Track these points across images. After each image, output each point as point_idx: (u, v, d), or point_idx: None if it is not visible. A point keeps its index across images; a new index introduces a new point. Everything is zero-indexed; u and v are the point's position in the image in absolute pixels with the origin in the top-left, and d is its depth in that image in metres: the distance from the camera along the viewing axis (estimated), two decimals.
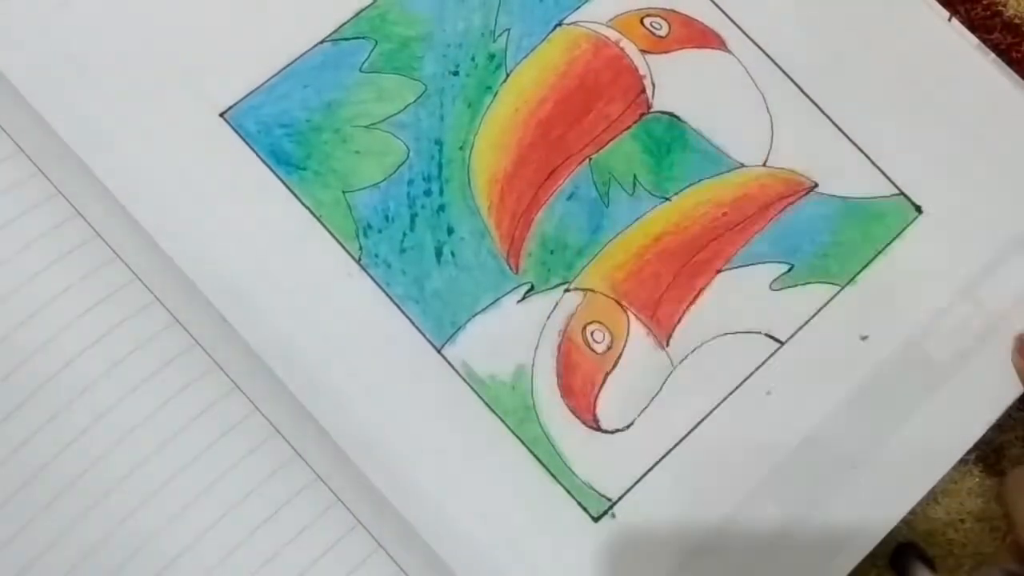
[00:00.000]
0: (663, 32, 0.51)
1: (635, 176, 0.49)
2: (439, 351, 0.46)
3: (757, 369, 0.47)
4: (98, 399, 0.43)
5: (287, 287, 0.47)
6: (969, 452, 0.47)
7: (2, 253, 0.45)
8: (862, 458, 0.46)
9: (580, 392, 0.47)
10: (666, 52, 0.51)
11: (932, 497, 0.47)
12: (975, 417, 0.47)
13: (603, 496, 0.46)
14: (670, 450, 0.46)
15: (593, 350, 0.47)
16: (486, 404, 0.46)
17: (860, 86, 0.51)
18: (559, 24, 0.51)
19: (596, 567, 0.45)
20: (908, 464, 0.46)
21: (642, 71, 0.51)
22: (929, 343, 0.48)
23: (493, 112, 0.50)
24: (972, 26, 0.52)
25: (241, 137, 0.48)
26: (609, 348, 0.47)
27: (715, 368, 0.47)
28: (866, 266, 0.49)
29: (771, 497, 0.46)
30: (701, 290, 0.48)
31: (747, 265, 0.49)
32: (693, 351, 0.47)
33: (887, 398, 0.47)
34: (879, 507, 0.46)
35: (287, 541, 0.43)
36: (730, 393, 0.47)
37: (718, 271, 0.49)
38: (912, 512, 0.46)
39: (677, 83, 0.51)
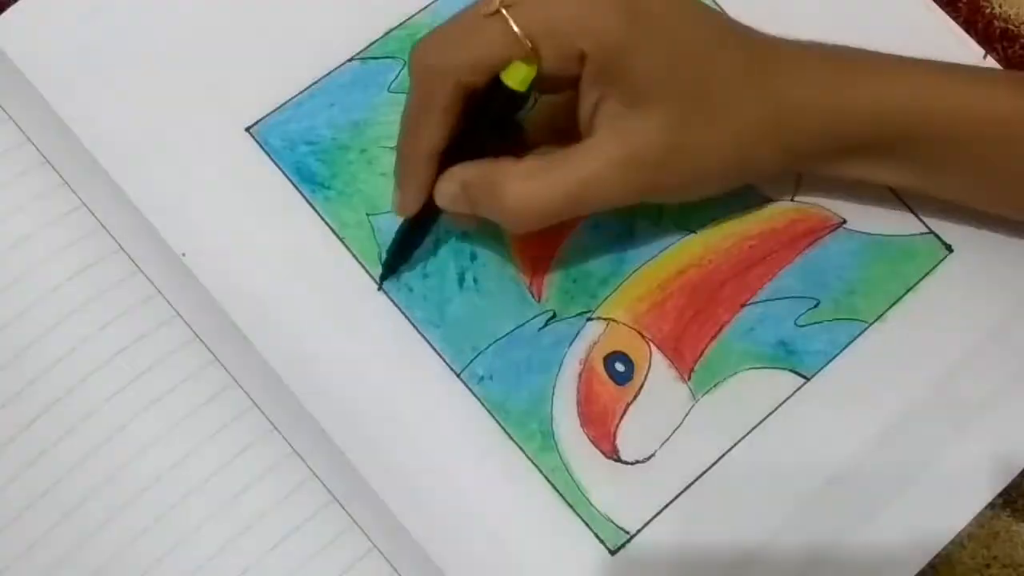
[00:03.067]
0: None
1: (661, 208, 0.49)
2: (459, 376, 0.46)
3: (781, 405, 0.47)
4: (115, 414, 0.43)
5: (308, 306, 0.46)
6: (997, 496, 0.46)
7: (24, 265, 0.45)
8: (888, 499, 0.46)
9: (600, 422, 0.46)
10: None
11: (958, 541, 0.46)
12: (1005, 460, 0.46)
13: (621, 529, 0.45)
14: (691, 484, 0.45)
15: (614, 380, 0.47)
16: (504, 431, 0.46)
17: None
18: None
19: None
20: (935, 506, 0.46)
21: None
22: (959, 384, 0.47)
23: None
24: (1009, 64, 0.52)
25: (266, 153, 0.48)
26: (630, 379, 0.47)
27: (738, 402, 0.47)
28: (895, 304, 0.48)
29: (794, 535, 0.45)
30: (725, 324, 0.48)
31: (772, 300, 0.48)
32: (716, 385, 0.47)
33: (915, 438, 0.46)
34: (904, 550, 0.45)
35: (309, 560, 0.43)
36: (753, 428, 0.46)
37: (743, 305, 0.48)
38: (938, 556, 0.45)
39: None
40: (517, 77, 0.41)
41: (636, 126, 0.41)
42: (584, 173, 0.42)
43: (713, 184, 0.45)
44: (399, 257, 0.47)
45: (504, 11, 0.40)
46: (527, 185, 0.42)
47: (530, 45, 0.40)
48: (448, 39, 0.42)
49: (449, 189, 0.44)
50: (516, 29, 0.40)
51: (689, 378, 0.47)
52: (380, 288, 0.47)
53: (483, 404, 0.46)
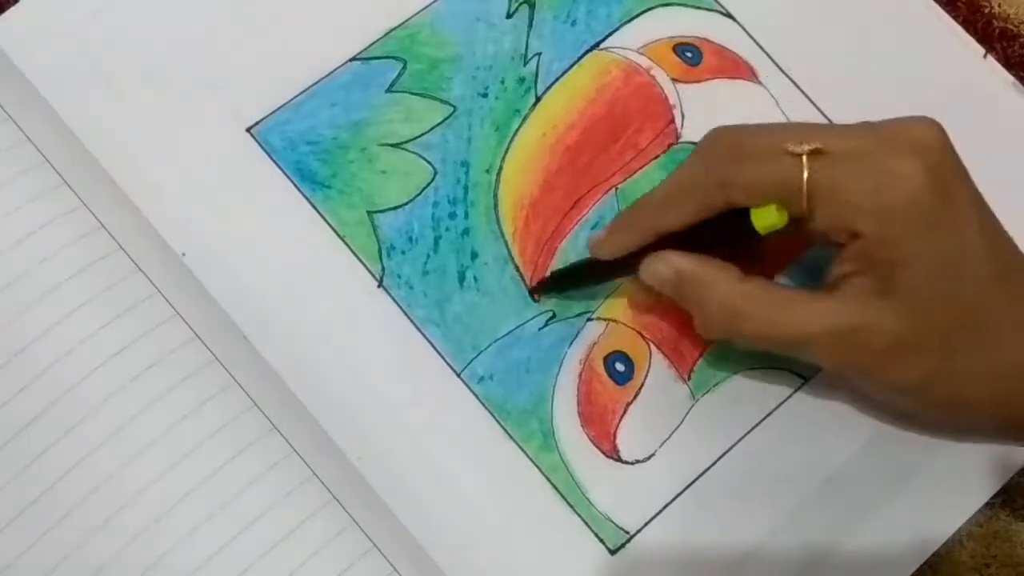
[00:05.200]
0: (695, 61, 0.51)
1: None
2: (459, 375, 0.46)
3: (781, 405, 0.47)
4: (115, 413, 0.43)
5: (308, 305, 0.46)
6: (996, 495, 0.46)
7: (24, 263, 0.45)
8: (886, 498, 0.46)
9: (600, 421, 0.46)
10: (697, 82, 0.51)
11: (957, 540, 0.46)
12: (1002, 459, 0.46)
13: (621, 528, 0.45)
14: (691, 483, 0.45)
15: (614, 380, 0.47)
16: (504, 430, 0.46)
17: None
18: (590, 50, 0.51)
19: None
20: (934, 506, 0.46)
21: (672, 100, 0.50)
22: None
23: (521, 137, 0.49)
24: (1008, 64, 0.51)
25: (267, 153, 0.48)
26: (630, 379, 0.47)
27: (738, 402, 0.47)
28: None
29: (794, 535, 0.45)
30: None
31: None
32: (715, 385, 0.47)
33: (913, 438, 0.46)
34: (903, 549, 0.45)
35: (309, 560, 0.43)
36: (753, 428, 0.46)
37: None
38: (937, 555, 0.45)
39: (707, 113, 0.50)
40: (764, 221, 0.41)
41: (880, 314, 0.40)
42: (799, 329, 0.41)
43: (913, 410, 0.44)
44: (560, 284, 0.47)
45: (805, 160, 0.39)
46: (737, 306, 0.42)
47: (805, 206, 0.40)
48: (745, 148, 0.41)
49: (661, 271, 0.43)
50: (804, 186, 0.39)
51: (689, 378, 0.47)
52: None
53: (483, 404, 0.46)
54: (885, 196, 0.39)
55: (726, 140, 0.43)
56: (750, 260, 0.43)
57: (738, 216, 0.41)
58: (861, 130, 0.41)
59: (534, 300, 0.47)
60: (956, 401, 0.42)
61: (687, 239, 0.43)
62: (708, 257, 0.43)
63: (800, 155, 0.40)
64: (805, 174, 0.39)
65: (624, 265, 0.45)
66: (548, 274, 0.48)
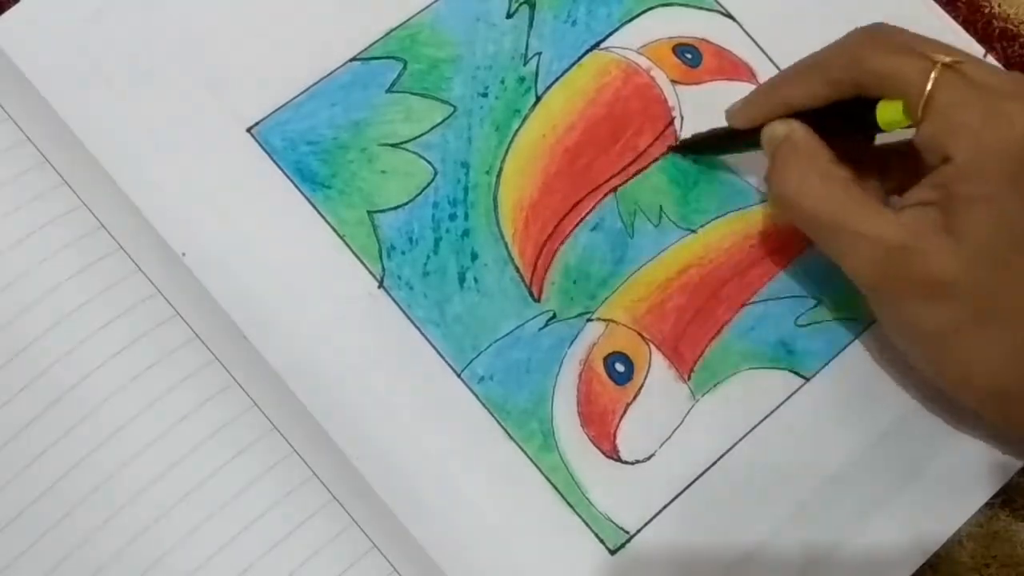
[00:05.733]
0: (695, 63, 0.51)
1: (661, 207, 0.49)
2: (459, 375, 0.46)
3: (781, 405, 0.47)
4: (115, 413, 0.43)
5: (308, 305, 0.46)
6: (996, 495, 0.46)
7: (24, 264, 0.45)
8: (886, 498, 0.46)
9: (600, 421, 0.46)
10: (697, 83, 0.51)
11: (957, 540, 0.46)
12: (1001, 460, 0.46)
13: (621, 528, 0.45)
14: (691, 484, 0.45)
15: (614, 380, 0.47)
16: (504, 430, 0.45)
17: None
18: (590, 49, 0.51)
19: None
20: (933, 505, 0.46)
21: (671, 103, 0.50)
22: None
23: (521, 137, 0.49)
24: (1008, 64, 0.52)
25: (267, 153, 0.48)
26: (630, 379, 0.47)
27: (738, 402, 0.47)
28: None
29: (794, 535, 0.45)
30: (725, 324, 0.48)
31: (772, 299, 0.48)
32: (716, 385, 0.47)
33: (913, 438, 0.46)
34: (903, 549, 0.45)
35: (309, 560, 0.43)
36: (753, 428, 0.46)
37: (743, 305, 0.48)
38: (937, 555, 0.45)
39: (706, 115, 0.50)
40: (886, 117, 0.41)
41: (935, 245, 0.40)
42: (849, 224, 0.41)
43: (923, 363, 0.44)
44: (696, 148, 0.49)
45: (936, 71, 0.40)
46: (810, 178, 0.42)
47: (919, 115, 0.40)
48: (886, 38, 0.42)
49: (777, 130, 0.44)
50: (926, 92, 0.40)
51: (689, 378, 0.47)
52: (380, 286, 0.47)
53: (483, 404, 0.46)
54: (988, 131, 0.39)
55: (873, 28, 0.43)
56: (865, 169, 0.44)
57: (867, 110, 0.42)
58: (1005, 72, 0.41)
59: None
60: (960, 370, 0.42)
61: (817, 126, 0.44)
62: (818, 139, 0.43)
63: (935, 63, 0.40)
64: (931, 82, 0.40)
65: (756, 135, 0.46)
66: (689, 136, 0.49)
